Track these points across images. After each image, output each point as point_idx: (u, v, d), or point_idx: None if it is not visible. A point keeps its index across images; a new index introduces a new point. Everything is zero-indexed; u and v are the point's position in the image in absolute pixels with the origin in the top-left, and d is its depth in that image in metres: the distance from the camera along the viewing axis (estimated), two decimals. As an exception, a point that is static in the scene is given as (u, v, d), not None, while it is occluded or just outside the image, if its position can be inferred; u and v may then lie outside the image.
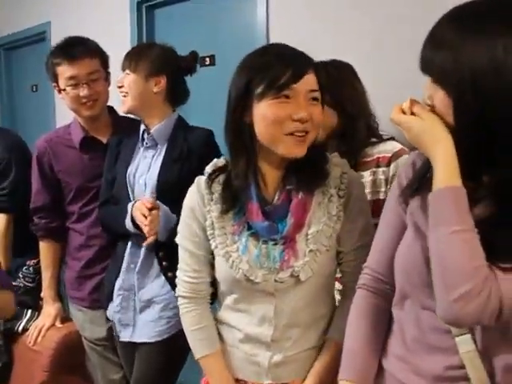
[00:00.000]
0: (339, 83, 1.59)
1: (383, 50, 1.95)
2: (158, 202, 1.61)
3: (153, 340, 1.66)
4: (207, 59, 2.55)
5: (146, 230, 1.58)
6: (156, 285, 1.67)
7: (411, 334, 0.98)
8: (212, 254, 1.25)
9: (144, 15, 2.88)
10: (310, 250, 1.17)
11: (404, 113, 0.93)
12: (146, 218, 1.57)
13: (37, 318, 2.04)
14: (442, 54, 0.85)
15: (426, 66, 0.89)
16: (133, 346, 1.73)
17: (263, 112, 1.12)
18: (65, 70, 1.80)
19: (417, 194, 0.97)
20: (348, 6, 2.08)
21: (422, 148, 0.90)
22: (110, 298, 1.75)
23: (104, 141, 1.90)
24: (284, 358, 1.22)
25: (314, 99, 1.14)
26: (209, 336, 1.28)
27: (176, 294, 1.32)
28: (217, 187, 1.23)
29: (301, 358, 1.22)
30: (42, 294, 2.03)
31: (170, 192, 1.61)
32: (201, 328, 1.28)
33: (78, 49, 1.81)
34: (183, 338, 1.31)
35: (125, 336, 1.72)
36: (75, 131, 1.91)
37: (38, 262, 2.07)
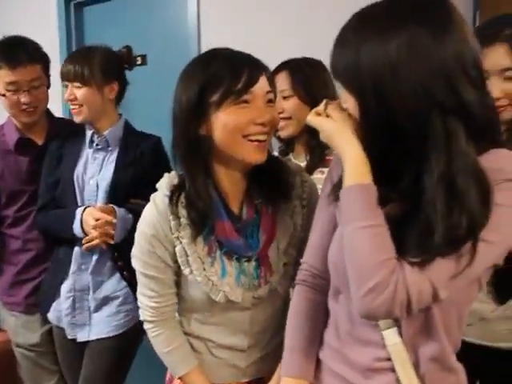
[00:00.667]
0: (313, 80, 1.61)
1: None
2: (112, 205, 1.62)
3: (110, 334, 1.68)
4: (139, 59, 2.52)
5: (94, 234, 1.60)
6: (112, 282, 1.69)
7: (344, 326, 0.99)
8: (176, 274, 1.19)
9: (72, 13, 2.81)
10: (284, 264, 1.17)
11: (319, 114, 0.94)
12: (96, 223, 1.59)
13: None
14: (344, 58, 0.86)
15: (333, 71, 0.90)
16: (81, 347, 1.72)
17: (223, 121, 1.06)
18: (5, 75, 1.73)
19: None
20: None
21: (335, 148, 0.92)
22: (51, 302, 1.74)
23: (39, 143, 1.86)
24: (260, 356, 1.24)
25: (270, 101, 1.11)
26: (184, 354, 1.24)
27: (141, 318, 1.25)
28: (182, 211, 1.13)
29: (277, 353, 1.17)
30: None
31: (124, 193, 1.64)
32: (174, 348, 1.23)
33: (20, 54, 1.74)
34: (135, 331, 1.31)
35: (82, 337, 1.71)
36: (9, 132, 1.86)
37: None
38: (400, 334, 0.91)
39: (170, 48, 2.45)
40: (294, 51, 1.69)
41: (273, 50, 1.74)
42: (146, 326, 1.24)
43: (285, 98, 1.61)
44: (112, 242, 1.62)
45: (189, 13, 2.36)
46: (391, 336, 0.91)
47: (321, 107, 0.95)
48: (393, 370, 0.92)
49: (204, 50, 1.18)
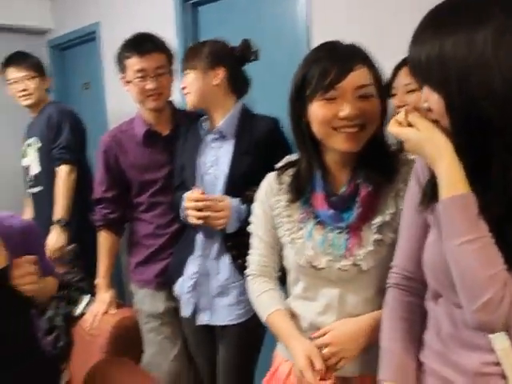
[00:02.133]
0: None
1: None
2: (226, 195, 1.70)
3: (234, 322, 1.77)
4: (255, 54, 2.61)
5: (190, 213, 1.68)
6: (231, 271, 1.76)
7: (446, 329, 0.98)
8: (280, 244, 1.33)
9: (189, 13, 2.96)
10: (375, 240, 1.19)
11: (400, 123, 0.94)
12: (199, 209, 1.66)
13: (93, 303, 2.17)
14: (424, 55, 0.85)
15: (413, 68, 0.89)
16: (205, 328, 1.83)
17: (314, 113, 1.18)
18: (134, 63, 1.91)
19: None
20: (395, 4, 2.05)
21: (425, 158, 0.91)
22: (177, 277, 1.86)
23: (165, 134, 2.01)
24: None
25: (363, 96, 1.16)
26: (274, 297, 1.34)
27: (246, 274, 1.41)
28: (286, 178, 1.31)
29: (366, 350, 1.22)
30: (96, 282, 2.17)
31: (242, 182, 1.70)
32: (266, 291, 1.35)
33: (147, 43, 1.94)
34: (257, 322, 1.38)
35: (202, 320, 1.82)
36: (139, 125, 2.02)
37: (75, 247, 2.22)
38: (509, 337, 0.89)
39: (280, 45, 2.52)
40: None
41: (390, 47, 1.71)
42: (248, 279, 1.39)
43: (409, 91, 1.60)
44: (218, 228, 1.69)
45: (299, 12, 2.39)
46: (500, 340, 0.90)
47: (401, 116, 0.94)
48: (503, 375, 0.90)
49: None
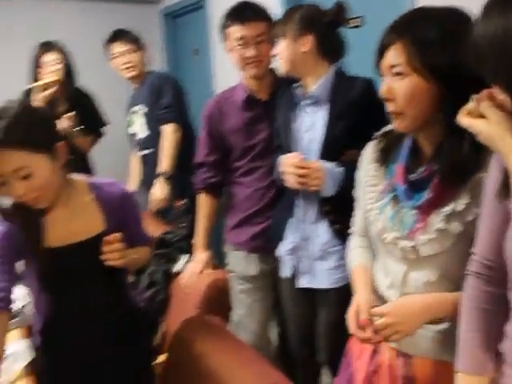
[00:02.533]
0: None
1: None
2: (321, 160, 1.68)
3: (334, 286, 1.78)
4: (357, 20, 2.54)
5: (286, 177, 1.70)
6: (330, 235, 1.77)
7: None
8: None
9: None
10: (438, 229, 1.14)
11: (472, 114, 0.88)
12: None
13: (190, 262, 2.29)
14: (488, 42, 0.79)
15: (478, 61, 0.83)
16: (308, 292, 1.85)
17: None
18: (235, 31, 1.95)
19: None
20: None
21: (497, 152, 0.86)
22: (278, 241, 1.89)
23: (264, 99, 2.04)
24: None
25: (398, 74, 1.12)
26: (362, 254, 1.39)
27: (349, 231, 1.46)
28: (378, 146, 1.30)
29: (418, 333, 1.19)
30: (193, 241, 2.27)
31: (336, 148, 1.70)
32: (358, 247, 1.40)
33: (249, 12, 1.96)
34: None
35: (303, 283, 1.84)
36: (239, 92, 2.06)
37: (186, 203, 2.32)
38: None
39: (385, 11, 2.42)
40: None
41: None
42: (349, 238, 1.45)
43: None
44: (313, 190, 1.67)
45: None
46: None
47: (472, 105, 0.88)
48: None
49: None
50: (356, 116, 1.68)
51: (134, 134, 3.05)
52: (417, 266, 1.20)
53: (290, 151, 1.75)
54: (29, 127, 1.31)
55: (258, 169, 2.05)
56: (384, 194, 1.26)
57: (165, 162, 2.78)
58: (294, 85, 1.82)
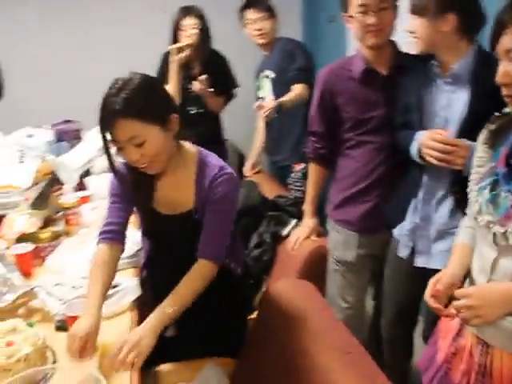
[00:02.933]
0: None
1: None
2: (462, 139, 1.62)
3: None
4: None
5: (433, 154, 1.63)
6: (451, 216, 1.73)
7: None
8: None
9: None
10: None
11: None
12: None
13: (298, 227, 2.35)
14: None
15: None
16: (423, 271, 1.80)
17: None
18: None
19: None
20: None
21: None
22: (399, 221, 1.88)
23: (383, 73, 1.99)
24: None
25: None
26: (469, 233, 1.38)
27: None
28: (490, 128, 1.29)
29: (501, 325, 1.16)
30: (303, 207, 2.33)
31: (474, 129, 1.59)
32: (468, 227, 1.40)
33: None
34: None
35: (420, 262, 1.83)
36: (357, 63, 2.02)
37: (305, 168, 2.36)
38: None
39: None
40: None
41: None
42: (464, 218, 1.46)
43: None
44: (457, 167, 1.62)
45: None
46: None
47: None
48: None
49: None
50: (499, 96, 1.58)
51: (261, 98, 3.14)
52: (507, 253, 1.16)
53: (423, 129, 1.71)
54: (146, 101, 1.43)
55: (368, 143, 2.01)
56: (486, 176, 1.23)
57: (285, 97, 2.79)
58: (431, 62, 1.75)
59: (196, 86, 3.13)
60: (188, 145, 1.63)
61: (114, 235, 1.61)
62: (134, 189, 1.61)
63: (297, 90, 2.85)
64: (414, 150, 1.73)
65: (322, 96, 2.09)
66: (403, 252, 1.87)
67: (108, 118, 1.42)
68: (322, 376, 1.29)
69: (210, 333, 1.75)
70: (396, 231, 1.91)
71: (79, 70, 3.91)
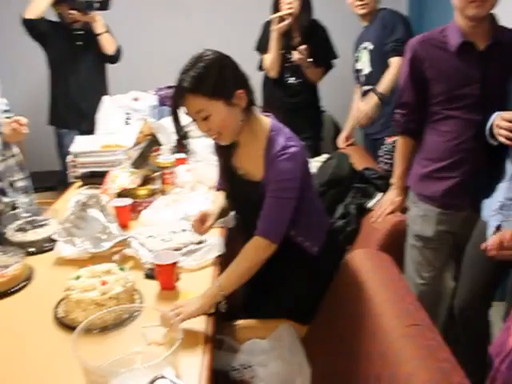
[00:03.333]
0: None
1: None
2: None
3: None
4: None
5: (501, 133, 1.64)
6: None
7: None
8: None
9: None
10: None
11: None
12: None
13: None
14: None
15: None
16: None
17: None
18: None
19: None
20: None
21: None
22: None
23: (481, 48, 1.91)
24: None
25: None
26: None
27: None
28: None
29: None
30: (390, 181, 2.32)
31: None
32: None
33: None
34: None
35: None
36: (452, 34, 1.94)
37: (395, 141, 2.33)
38: None
39: None
40: None
41: None
42: None
43: None
44: None
45: None
46: None
47: None
48: None
49: None
50: None
51: (359, 70, 3.11)
52: None
53: None
54: (211, 78, 1.53)
55: (457, 119, 1.95)
56: None
57: (383, 84, 2.85)
58: None
59: (296, 55, 3.17)
60: (263, 119, 1.70)
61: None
62: (217, 153, 1.79)
63: (393, 65, 2.81)
64: (487, 129, 1.70)
65: (412, 66, 2.02)
66: (489, 233, 1.82)
67: (178, 94, 1.56)
68: (384, 345, 1.32)
69: (287, 298, 1.84)
70: (484, 212, 1.86)
71: (182, 44, 4.10)
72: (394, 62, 2.81)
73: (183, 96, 1.54)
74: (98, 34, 3.31)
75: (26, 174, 2.43)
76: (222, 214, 1.92)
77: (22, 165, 2.41)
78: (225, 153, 1.76)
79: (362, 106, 2.98)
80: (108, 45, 3.36)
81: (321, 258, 1.79)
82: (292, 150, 1.60)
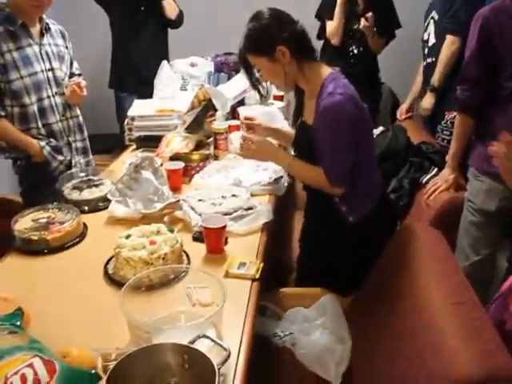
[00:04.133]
0: None
1: None
2: None
3: None
4: None
5: None
6: None
7: None
8: None
9: None
10: None
11: None
12: None
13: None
14: None
15: None
16: None
17: None
18: None
19: None
20: None
21: None
22: None
23: None
24: None
25: None
26: None
27: None
28: None
29: None
30: (446, 157, 2.24)
31: None
32: None
33: None
34: None
35: None
36: None
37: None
38: None
39: None
40: None
41: None
42: None
43: None
44: None
45: None
46: None
47: None
48: None
49: None
50: None
51: (425, 41, 2.98)
52: None
53: None
54: (257, 38, 1.73)
55: None
56: None
57: (436, 74, 2.75)
58: None
59: (363, 22, 3.08)
60: (322, 69, 1.78)
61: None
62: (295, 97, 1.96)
63: (445, 46, 2.69)
64: None
65: (481, 39, 1.93)
66: None
67: (240, 51, 1.79)
68: (429, 321, 1.30)
69: (332, 269, 1.85)
70: None
71: (241, 13, 4.08)
72: (446, 42, 2.69)
73: (242, 53, 1.78)
74: None
75: (85, 136, 2.51)
76: (283, 137, 2.07)
77: (81, 126, 2.49)
78: (298, 98, 1.92)
79: (424, 105, 2.86)
80: (171, 9, 3.38)
81: (366, 229, 1.81)
82: (336, 98, 1.65)
